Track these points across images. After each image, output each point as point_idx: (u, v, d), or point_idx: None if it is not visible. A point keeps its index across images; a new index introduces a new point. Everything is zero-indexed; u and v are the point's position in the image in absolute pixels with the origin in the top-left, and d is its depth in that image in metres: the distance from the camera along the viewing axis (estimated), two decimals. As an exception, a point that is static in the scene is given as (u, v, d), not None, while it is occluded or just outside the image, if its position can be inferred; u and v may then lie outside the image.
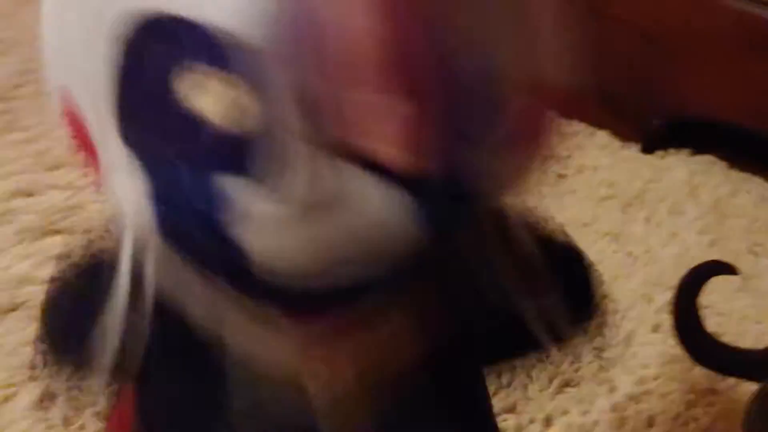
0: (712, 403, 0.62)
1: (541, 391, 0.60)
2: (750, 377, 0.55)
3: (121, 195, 0.24)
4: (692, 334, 0.50)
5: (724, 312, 0.70)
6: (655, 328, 0.67)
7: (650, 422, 0.60)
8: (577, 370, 0.62)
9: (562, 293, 0.34)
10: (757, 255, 0.77)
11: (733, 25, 0.83)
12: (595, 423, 0.59)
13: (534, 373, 0.61)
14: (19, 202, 0.70)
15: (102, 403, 0.32)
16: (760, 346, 0.58)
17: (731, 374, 0.55)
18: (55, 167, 0.73)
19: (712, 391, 0.63)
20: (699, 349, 0.50)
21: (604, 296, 0.36)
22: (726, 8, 0.82)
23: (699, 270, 0.51)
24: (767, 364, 0.55)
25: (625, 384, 0.62)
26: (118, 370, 0.30)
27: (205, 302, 0.27)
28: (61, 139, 0.27)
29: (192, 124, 0.22)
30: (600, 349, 0.66)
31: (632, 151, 0.92)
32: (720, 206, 0.83)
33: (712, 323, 0.60)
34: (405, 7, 0.21)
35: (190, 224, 0.23)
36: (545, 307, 0.33)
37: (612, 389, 0.61)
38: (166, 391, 0.31)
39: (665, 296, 0.70)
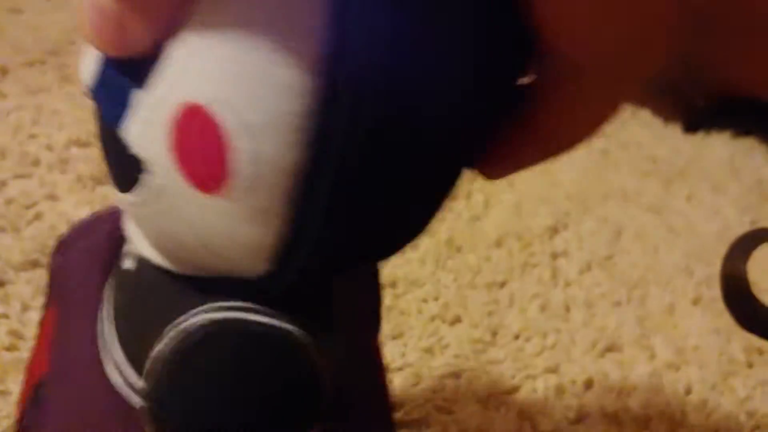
0: (750, 376, 0.63)
1: (583, 354, 0.61)
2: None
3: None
4: (741, 300, 0.51)
5: (762, 293, 0.71)
6: (696, 301, 0.68)
7: (688, 390, 0.61)
8: (619, 337, 0.63)
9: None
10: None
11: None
12: (634, 387, 0.60)
13: (578, 337, 0.63)
14: (75, 152, 0.71)
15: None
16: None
17: None
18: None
19: (750, 364, 0.64)
20: (747, 315, 0.51)
21: None
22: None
23: (748, 237, 0.52)
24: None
25: (664, 352, 0.63)
26: None
27: None
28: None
29: None
30: (642, 318, 0.67)
31: (674, 130, 0.92)
32: (762, 186, 0.83)
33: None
34: None
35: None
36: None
37: (652, 356, 0.62)
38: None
39: (706, 271, 0.71)
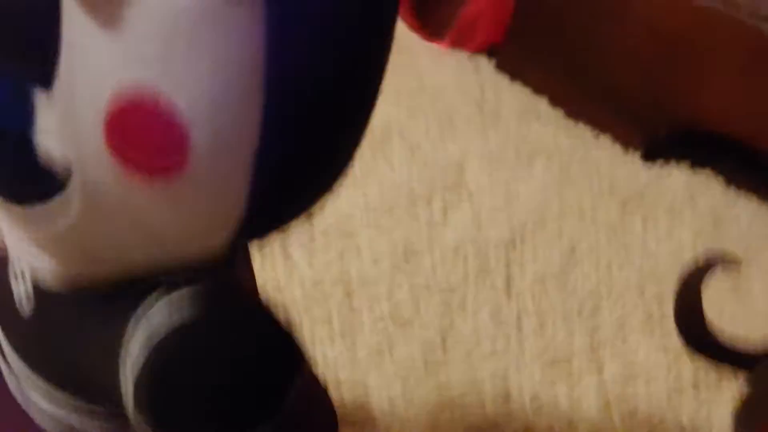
0: (697, 396, 0.63)
1: (531, 361, 0.60)
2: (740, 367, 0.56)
3: None
4: (692, 322, 0.51)
5: (713, 316, 0.71)
6: (647, 318, 0.68)
7: (634, 404, 0.60)
8: (568, 348, 0.63)
9: None
10: (749, 264, 0.78)
11: (753, 40, 0.84)
12: (581, 397, 0.59)
13: (527, 345, 0.62)
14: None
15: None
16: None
17: (722, 363, 0.55)
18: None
19: (696, 385, 0.63)
20: (696, 338, 0.51)
21: None
22: (745, 24, 0.83)
23: (702, 263, 0.52)
24: (759, 358, 0.57)
25: (613, 365, 0.63)
26: None
27: None
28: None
29: None
30: (592, 331, 0.67)
31: (634, 157, 0.93)
32: (716, 213, 0.84)
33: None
34: None
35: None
36: None
37: (600, 369, 0.62)
38: None
39: (658, 289, 0.71)
